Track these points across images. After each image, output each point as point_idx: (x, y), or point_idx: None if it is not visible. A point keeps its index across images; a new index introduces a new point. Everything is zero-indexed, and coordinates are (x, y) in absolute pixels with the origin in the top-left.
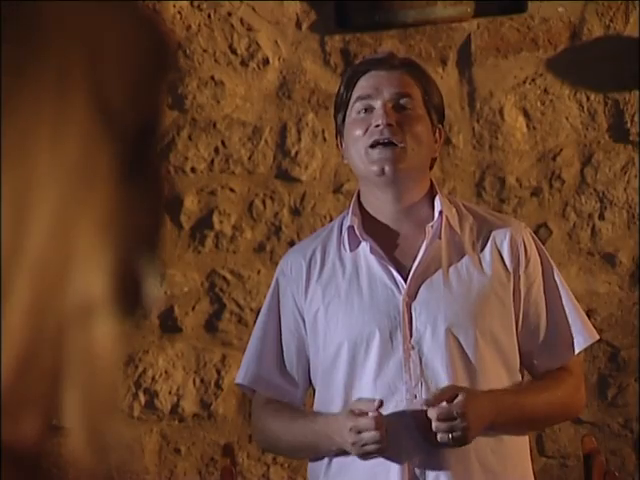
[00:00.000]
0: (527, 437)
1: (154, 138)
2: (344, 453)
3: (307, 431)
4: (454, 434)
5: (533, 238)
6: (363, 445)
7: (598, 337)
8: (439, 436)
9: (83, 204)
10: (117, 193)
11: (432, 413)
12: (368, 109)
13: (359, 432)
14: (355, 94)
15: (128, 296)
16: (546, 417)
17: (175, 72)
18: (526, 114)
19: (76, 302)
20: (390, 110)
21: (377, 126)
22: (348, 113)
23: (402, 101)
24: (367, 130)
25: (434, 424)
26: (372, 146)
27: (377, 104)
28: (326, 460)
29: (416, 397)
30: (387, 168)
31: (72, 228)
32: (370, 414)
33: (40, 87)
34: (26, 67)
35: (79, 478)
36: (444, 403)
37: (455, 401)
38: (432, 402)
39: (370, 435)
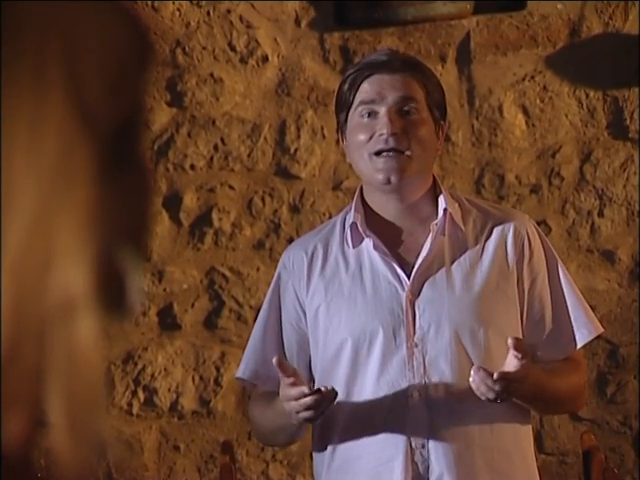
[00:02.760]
0: (531, 436)
1: (137, 134)
2: (346, 450)
3: (273, 414)
4: (499, 396)
5: (537, 231)
6: (297, 412)
7: (602, 329)
8: (483, 391)
9: (63, 201)
10: (98, 189)
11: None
12: (372, 114)
13: (290, 400)
14: (358, 98)
15: (111, 293)
16: (560, 400)
17: (158, 66)
18: (525, 111)
19: (57, 299)
20: (394, 116)
21: (381, 135)
22: (351, 115)
23: (406, 107)
24: (372, 137)
25: (492, 383)
26: (377, 153)
27: (381, 110)
28: (328, 455)
29: (420, 395)
30: (393, 177)
31: (52, 225)
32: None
33: (17, 86)
34: (2, 67)
35: (64, 473)
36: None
37: (516, 370)
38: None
39: (299, 402)
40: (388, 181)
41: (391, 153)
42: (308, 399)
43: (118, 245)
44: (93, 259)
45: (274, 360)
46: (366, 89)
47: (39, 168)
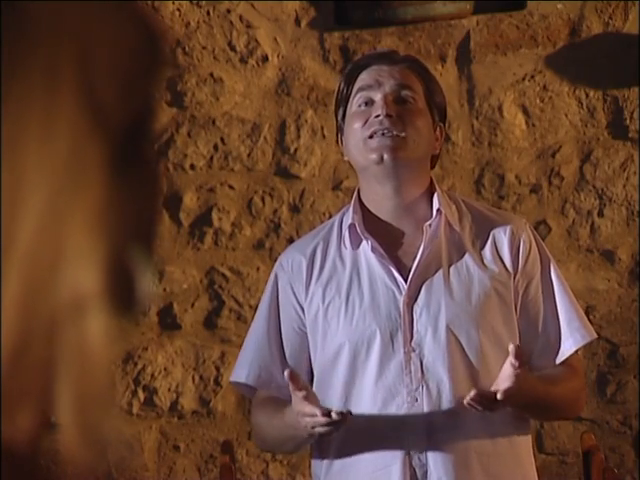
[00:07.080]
0: (530, 441)
1: (149, 134)
2: (344, 455)
3: (281, 424)
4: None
5: (533, 234)
6: (312, 428)
7: (596, 336)
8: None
9: (74, 200)
10: (109, 189)
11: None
12: (368, 102)
13: (304, 416)
14: (356, 86)
15: (121, 292)
16: (557, 408)
17: (169, 68)
18: (525, 111)
19: (68, 297)
20: (390, 102)
21: (377, 116)
22: (348, 107)
23: (403, 93)
24: (366, 122)
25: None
26: (371, 136)
27: (377, 96)
28: (326, 460)
29: (417, 400)
30: (386, 156)
31: (63, 224)
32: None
33: (29, 85)
34: (15, 65)
35: (74, 474)
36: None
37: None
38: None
39: (314, 420)
40: (381, 159)
41: (385, 132)
42: (322, 419)
43: (128, 244)
44: (103, 258)
45: (286, 373)
46: (364, 78)
47: (50, 167)
